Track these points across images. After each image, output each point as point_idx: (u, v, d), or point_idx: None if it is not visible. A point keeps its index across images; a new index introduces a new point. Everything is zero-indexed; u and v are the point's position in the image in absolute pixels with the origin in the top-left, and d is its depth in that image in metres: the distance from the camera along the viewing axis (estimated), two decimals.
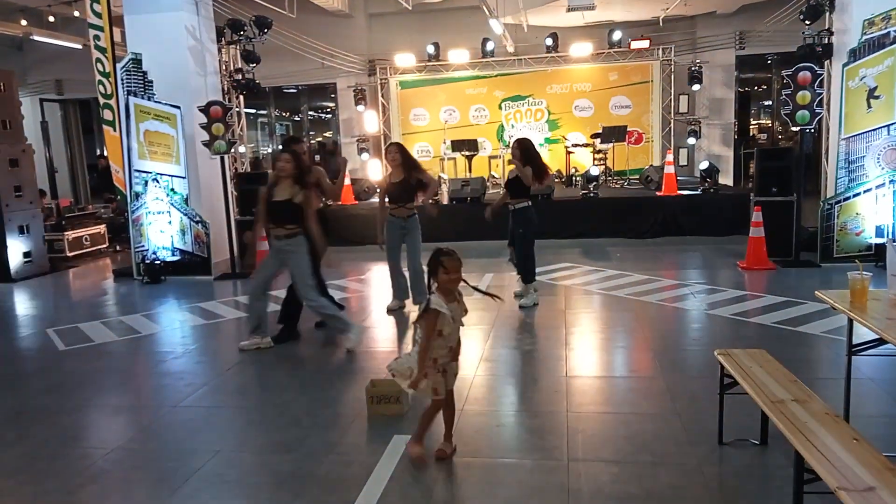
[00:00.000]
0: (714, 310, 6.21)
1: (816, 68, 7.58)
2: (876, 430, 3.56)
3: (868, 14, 7.38)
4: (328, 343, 5.82)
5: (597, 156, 12.62)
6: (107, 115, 9.43)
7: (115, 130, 9.30)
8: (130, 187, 8.82)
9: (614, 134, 12.48)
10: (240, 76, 10.21)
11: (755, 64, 14.65)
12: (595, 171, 10.96)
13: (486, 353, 5.23)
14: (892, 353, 3.44)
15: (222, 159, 8.68)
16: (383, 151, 10.32)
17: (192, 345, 5.97)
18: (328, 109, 16.61)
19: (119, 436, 4.12)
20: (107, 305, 7.72)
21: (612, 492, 3.15)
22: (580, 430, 3.80)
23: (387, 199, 6.39)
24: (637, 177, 12.58)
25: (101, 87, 9.33)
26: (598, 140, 12.58)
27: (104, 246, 11.40)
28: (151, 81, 8.59)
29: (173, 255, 8.80)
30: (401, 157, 6.27)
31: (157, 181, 8.72)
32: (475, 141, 13.16)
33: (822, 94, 7.63)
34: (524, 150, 6.36)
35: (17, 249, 9.15)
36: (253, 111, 15.81)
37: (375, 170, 13.90)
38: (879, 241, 7.54)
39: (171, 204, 8.73)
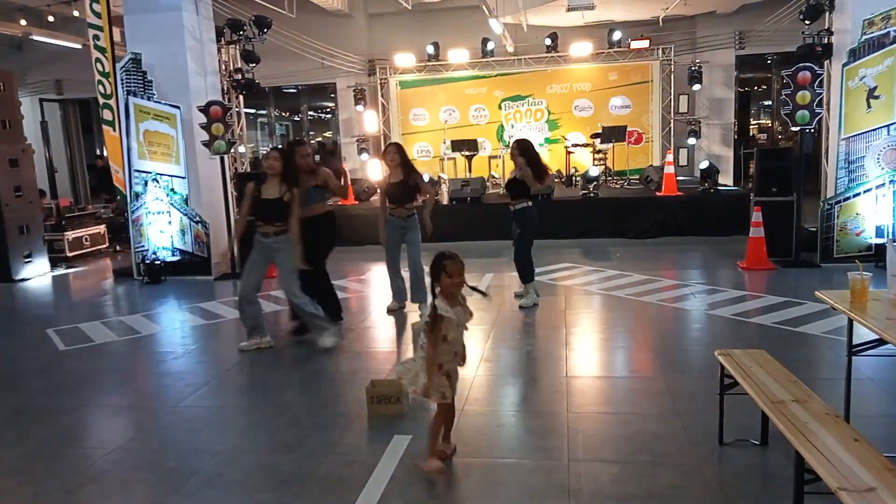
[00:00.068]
0: (714, 310, 6.21)
1: (816, 68, 7.58)
2: (876, 431, 3.56)
3: (868, 14, 7.37)
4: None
5: (597, 156, 12.62)
6: (106, 115, 9.43)
7: (114, 130, 9.30)
8: (130, 187, 8.82)
9: (614, 134, 12.48)
10: (239, 76, 10.20)
11: (755, 64, 14.65)
12: (595, 172, 10.96)
13: (486, 354, 5.23)
14: (892, 354, 3.44)
15: (222, 159, 8.68)
16: (382, 152, 10.31)
17: (192, 345, 5.97)
18: (328, 109, 16.60)
19: (119, 436, 4.12)
20: (107, 305, 7.72)
21: (613, 492, 3.15)
22: (580, 430, 3.80)
23: (386, 200, 6.39)
24: (637, 177, 12.58)
25: (100, 87, 9.33)
26: (598, 140, 12.57)
27: (104, 246, 11.39)
28: (151, 81, 8.59)
29: (173, 255, 8.80)
30: (399, 158, 6.27)
31: (157, 181, 8.72)
32: (475, 141, 13.15)
33: (821, 94, 7.62)
34: (524, 151, 6.37)
35: (17, 249, 9.14)
36: (253, 111, 15.81)
37: (375, 170, 13.89)
38: (879, 241, 7.54)
39: (171, 204, 8.73)
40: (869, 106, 7.47)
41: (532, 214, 6.47)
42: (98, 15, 9.12)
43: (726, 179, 13.18)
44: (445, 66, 14.21)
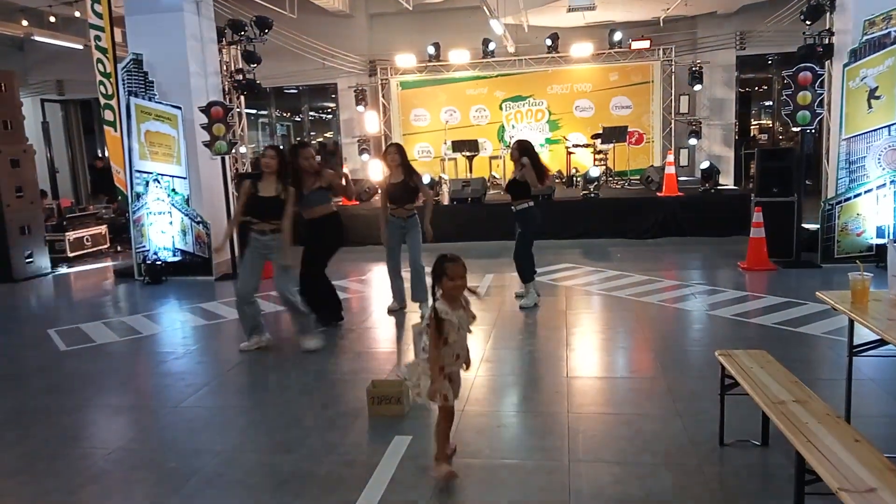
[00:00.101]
0: (715, 310, 6.21)
1: (817, 68, 7.58)
2: (877, 431, 3.56)
3: (868, 14, 7.37)
4: (328, 343, 5.82)
5: (597, 156, 12.62)
6: (108, 115, 9.44)
7: (116, 131, 9.31)
8: (131, 188, 8.83)
9: (615, 134, 12.48)
10: (240, 76, 10.22)
11: (756, 64, 14.64)
12: (595, 172, 10.96)
13: (486, 354, 5.23)
14: (893, 354, 3.44)
15: (223, 160, 8.68)
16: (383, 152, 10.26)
17: (192, 345, 5.97)
18: (329, 110, 16.61)
19: (120, 436, 4.12)
20: (108, 306, 7.73)
21: (613, 492, 3.15)
22: (581, 430, 3.80)
23: (387, 200, 6.40)
24: (638, 177, 12.59)
25: (102, 88, 9.34)
26: (599, 140, 12.57)
27: (105, 246, 11.41)
28: (152, 82, 8.60)
29: (174, 255, 8.81)
30: (400, 158, 6.28)
31: (158, 181, 8.73)
32: (476, 141, 13.15)
33: (822, 94, 7.62)
34: (523, 152, 6.38)
35: (18, 250, 9.15)
36: (254, 111, 15.82)
37: (376, 170, 13.90)
38: (880, 241, 7.53)
39: (172, 204, 8.73)
40: (870, 106, 7.46)
41: (534, 214, 6.48)
42: (99, 15, 9.13)
43: (727, 180, 13.19)
44: (446, 67, 14.22)
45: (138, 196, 8.78)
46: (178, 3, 8.50)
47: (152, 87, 8.60)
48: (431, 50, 13.96)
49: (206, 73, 9.05)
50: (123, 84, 8.64)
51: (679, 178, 11.00)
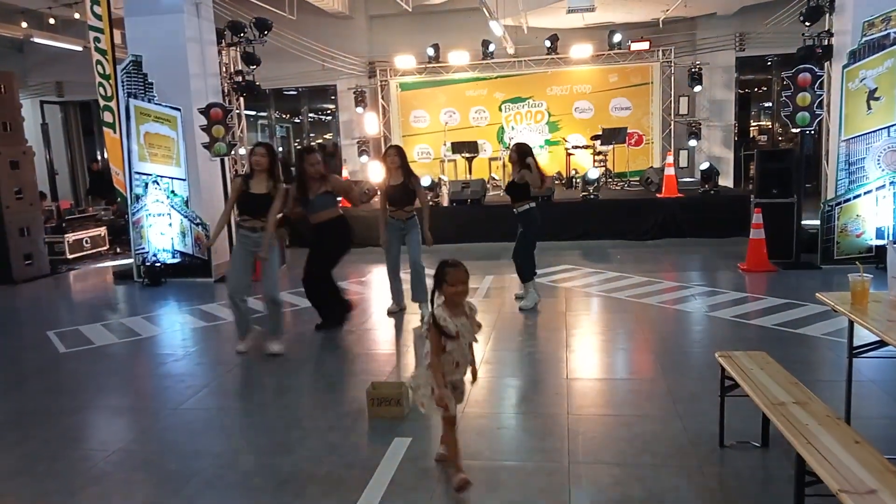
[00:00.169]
0: (714, 312, 6.21)
1: (816, 70, 7.58)
2: (877, 432, 3.56)
3: (868, 15, 7.38)
4: (328, 345, 5.82)
5: (597, 157, 12.62)
6: (107, 117, 9.45)
7: (115, 132, 9.32)
8: (131, 189, 8.82)
9: (614, 136, 12.48)
10: (240, 78, 10.22)
11: (755, 65, 14.65)
12: (595, 173, 10.96)
13: (486, 356, 5.23)
14: (893, 356, 3.44)
15: (222, 161, 8.68)
16: (382, 154, 10.26)
17: (192, 347, 5.97)
18: (328, 111, 16.61)
19: (120, 438, 4.12)
20: (107, 308, 7.72)
21: (614, 494, 3.15)
22: (581, 432, 3.80)
23: (386, 202, 6.40)
24: (637, 178, 12.58)
25: (101, 90, 9.35)
26: (599, 142, 12.57)
27: (104, 248, 11.41)
28: (152, 83, 8.59)
29: (174, 257, 8.80)
30: (399, 160, 6.29)
31: (158, 183, 8.73)
32: (475, 143, 13.15)
33: (822, 95, 7.63)
34: (522, 155, 6.40)
35: (17, 251, 9.15)
36: (253, 113, 15.81)
37: (376, 172, 13.90)
38: (880, 242, 7.54)
39: (172, 206, 8.73)
40: (869, 107, 7.47)
41: (535, 216, 6.49)
42: (99, 17, 9.14)
43: (726, 181, 13.19)
44: (446, 68, 14.22)
45: (137, 198, 8.77)
46: (178, 4, 8.50)
47: (151, 88, 8.59)
48: (431, 51, 13.97)
49: (206, 74, 9.05)
50: (123, 86, 8.64)
51: (679, 180, 11.00)
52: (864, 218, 7.65)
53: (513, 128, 14.44)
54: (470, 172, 12.68)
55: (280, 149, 16.88)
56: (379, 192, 6.49)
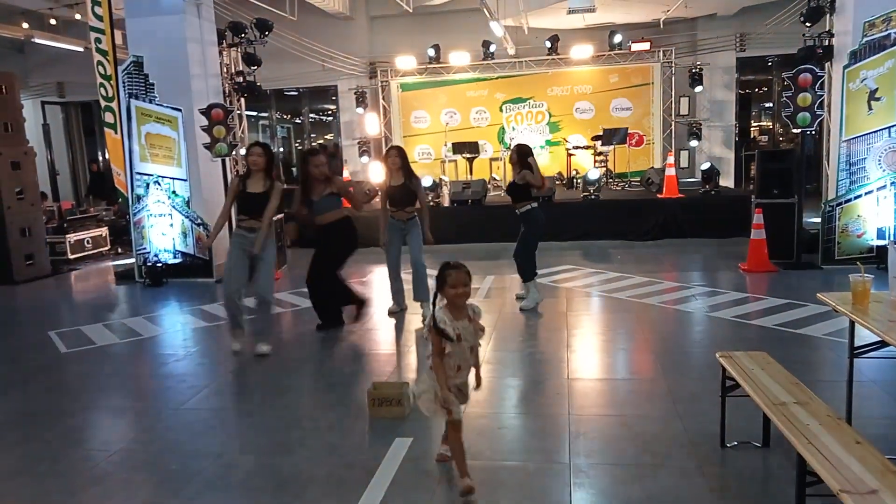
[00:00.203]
0: (715, 312, 6.21)
1: (817, 70, 7.59)
2: (878, 433, 3.56)
3: (868, 16, 7.37)
4: (329, 345, 5.83)
5: (598, 158, 12.63)
6: (108, 117, 9.45)
7: (116, 133, 9.32)
8: (132, 190, 8.83)
9: (615, 136, 12.49)
10: (241, 78, 10.22)
11: (756, 66, 14.66)
12: (596, 174, 10.97)
13: (487, 356, 5.23)
14: (894, 356, 3.44)
15: (223, 162, 8.68)
16: (383, 154, 10.24)
17: (193, 347, 5.97)
18: (329, 112, 16.63)
19: (121, 438, 4.12)
20: (108, 308, 7.73)
21: (614, 494, 3.15)
22: (582, 432, 3.80)
23: (387, 202, 6.41)
24: (638, 179, 12.59)
25: (102, 90, 9.35)
26: (599, 142, 12.58)
27: (106, 248, 11.41)
28: (153, 84, 8.60)
29: (175, 257, 8.81)
30: (400, 161, 6.30)
31: (159, 184, 8.73)
32: (476, 143, 13.15)
33: (822, 96, 7.63)
34: (522, 156, 6.42)
35: (19, 252, 9.15)
36: (254, 114, 15.83)
37: (376, 172, 13.90)
38: (881, 243, 7.53)
39: (173, 206, 8.73)
40: (870, 108, 7.47)
41: (537, 216, 6.49)
42: (100, 18, 9.15)
43: (727, 181, 13.20)
44: (446, 69, 14.23)
45: (139, 198, 8.78)
46: (179, 5, 8.50)
47: (153, 89, 8.60)
48: (432, 52, 13.98)
49: (207, 75, 9.05)
50: (124, 86, 8.64)
51: (679, 180, 11.01)
52: (864, 218, 7.64)
53: (513, 128, 14.45)
54: (471, 173, 12.69)
55: (281, 149, 16.90)
56: (379, 193, 6.51)
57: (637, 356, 5.28)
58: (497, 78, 14.38)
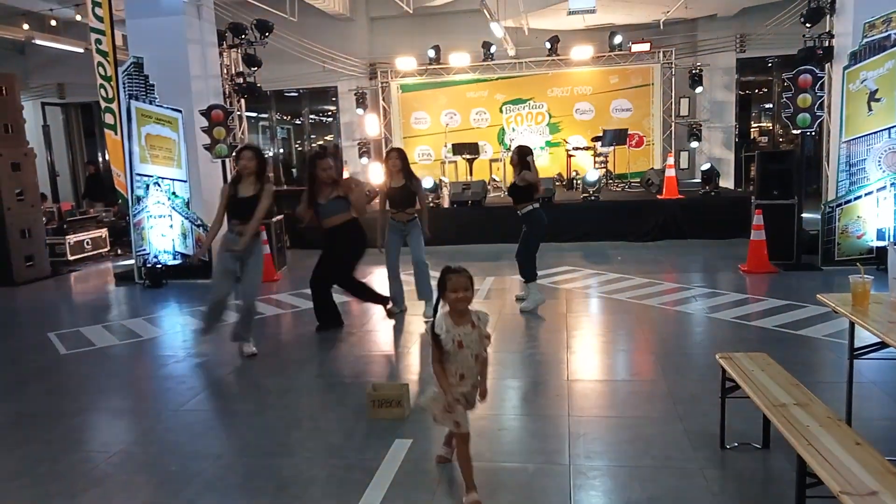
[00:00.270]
0: (715, 313, 6.21)
1: (817, 71, 7.59)
2: (878, 434, 3.56)
3: (868, 17, 7.38)
4: (329, 346, 5.82)
5: (598, 159, 12.63)
6: (108, 118, 9.45)
7: (116, 134, 9.32)
8: (132, 191, 8.83)
9: (615, 137, 12.49)
10: (241, 80, 10.21)
11: (756, 67, 14.66)
12: (596, 175, 10.97)
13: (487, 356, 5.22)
14: (894, 357, 3.43)
15: (223, 163, 8.68)
16: (384, 155, 10.33)
17: (193, 348, 5.97)
18: (329, 113, 16.63)
19: (121, 439, 4.12)
20: (108, 309, 7.73)
21: (614, 495, 3.15)
22: (582, 433, 3.80)
23: (387, 204, 6.41)
24: (638, 180, 12.59)
25: (102, 91, 9.35)
26: (599, 143, 12.58)
27: (106, 250, 11.41)
28: (153, 85, 8.61)
29: (174, 258, 8.81)
30: (401, 163, 6.30)
31: (159, 185, 8.73)
32: (476, 144, 13.16)
33: (822, 96, 7.63)
34: (523, 157, 6.44)
35: (18, 253, 9.15)
36: (254, 115, 15.83)
37: (376, 173, 13.91)
38: (881, 244, 7.53)
39: (173, 207, 8.74)
40: (870, 109, 7.47)
41: (539, 216, 6.50)
42: (100, 19, 9.15)
43: (727, 182, 13.20)
44: (446, 70, 14.24)
45: (139, 199, 8.78)
46: (179, 6, 8.51)
47: (153, 90, 8.61)
48: (432, 53, 13.98)
49: (207, 76, 9.05)
50: (124, 87, 8.65)
51: (679, 181, 11.00)
52: (864, 219, 7.64)
53: (513, 129, 14.45)
54: (471, 174, 12.69)
55: (281, 150, 16.91)
56: (379, 194, 6.51)
57: (637, 357, 5.28)
58: (497, 79, 14.39)
